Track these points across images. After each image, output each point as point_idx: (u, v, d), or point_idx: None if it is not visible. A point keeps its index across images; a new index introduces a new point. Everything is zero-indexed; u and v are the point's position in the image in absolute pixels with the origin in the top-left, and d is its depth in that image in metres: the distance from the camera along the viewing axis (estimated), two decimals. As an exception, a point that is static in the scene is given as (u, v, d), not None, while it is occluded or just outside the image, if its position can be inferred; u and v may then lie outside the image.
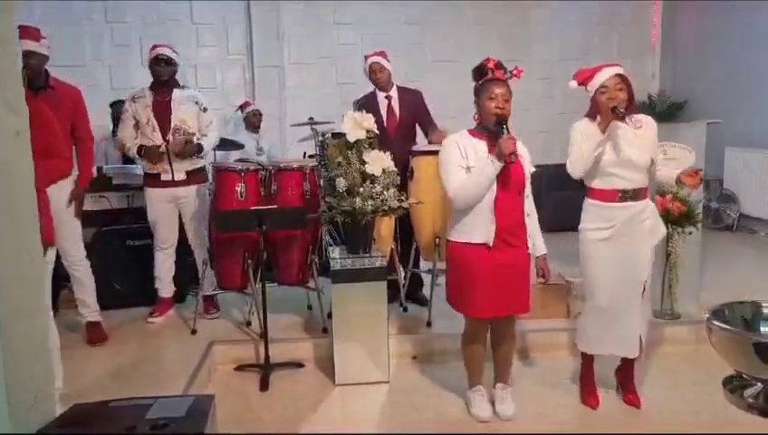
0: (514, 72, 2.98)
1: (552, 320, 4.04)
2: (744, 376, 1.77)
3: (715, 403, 3.19)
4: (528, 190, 3.02)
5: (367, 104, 4.36)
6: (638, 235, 3.05)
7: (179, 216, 4.32)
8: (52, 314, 2.53)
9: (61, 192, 3.66)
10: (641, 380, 3.38)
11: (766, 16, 6.58)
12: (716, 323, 1.78)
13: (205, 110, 4.27)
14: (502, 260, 2.93)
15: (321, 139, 5.02)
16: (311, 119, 5.37)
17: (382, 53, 4.46)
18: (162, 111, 4.15)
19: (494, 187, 2.88)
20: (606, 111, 2.94)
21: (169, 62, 4.19)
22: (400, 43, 7.12)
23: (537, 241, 3.07)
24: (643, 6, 8.13)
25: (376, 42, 7.39)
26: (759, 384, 1.76)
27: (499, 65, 2.98)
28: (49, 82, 3.66)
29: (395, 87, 4.48)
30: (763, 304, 1.89)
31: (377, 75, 4.40)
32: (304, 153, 5.69)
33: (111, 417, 1.72)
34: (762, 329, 1.86)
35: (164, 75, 4.17)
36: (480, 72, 2.99)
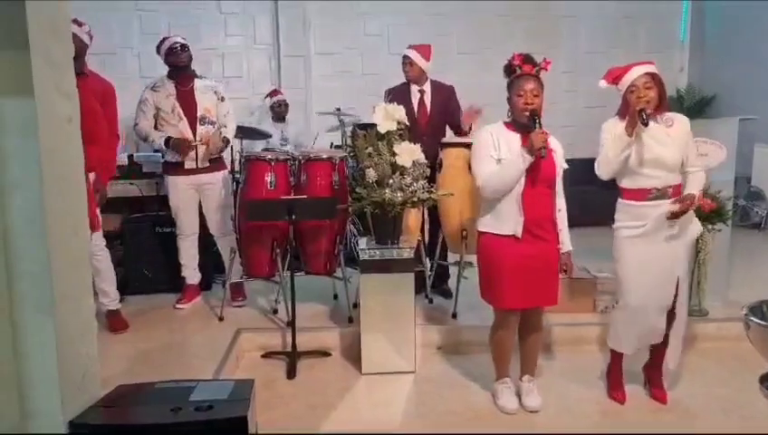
0: (542, 64, 2.98)
1: (578, 314, 4.03)
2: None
3: (742, 400, 3.20)
4: (559, 186, 3.02)
5: (398, 95, 4.38)
6: (671, 233, 3.02)
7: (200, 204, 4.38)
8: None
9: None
10: (671, 377, 3.37)
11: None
12: (755, 319, 1.77)
13: (222, 99, 4.34)
14: (530, 252, 2.94)
15: (350, 129, 5.03)
16: (337, 109, 5.38)
17: (420, 48, 4.44)
18: (187, 100, 4.21)
19: (522, 180, 2.89)
20: (632, 113, 2.92)
21: (185, 47, 4.24)
22: (425, 35, 7.03)
23: (563, 237, 3.07)
24: (671, 1, 8.03)
25: (401, 33, 7.41)
26: (798, 381, 1.75)
27: (527, 59, 2.98)
28: (84, 70, 3.71)
29: (429, 81, 4.48)
30: (801, 301, 1.88)
31: (406, 68, 4.41)
32: (331, 143, 5.72)
33: (156, 398, 1.76)
34: (802, 326, 1.85)
35: (184, 60, 4.22)
36: (508, 70, 3.01)
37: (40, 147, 1.54)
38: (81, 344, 1.75)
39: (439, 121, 4.44)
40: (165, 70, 4.34)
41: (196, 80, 4.30)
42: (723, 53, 7.65)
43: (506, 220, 2.95)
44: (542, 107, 2.94)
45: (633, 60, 3.18)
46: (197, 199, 4.35)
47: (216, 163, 4.33)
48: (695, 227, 3.14)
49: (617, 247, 3.11)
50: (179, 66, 4.22)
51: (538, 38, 7.38)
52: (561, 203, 3.06)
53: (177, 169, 4.27)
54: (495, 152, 2.94)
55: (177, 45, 4.21)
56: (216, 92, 4.33)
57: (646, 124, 2.86)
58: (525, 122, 2.91)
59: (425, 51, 4.44)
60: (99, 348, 3.08)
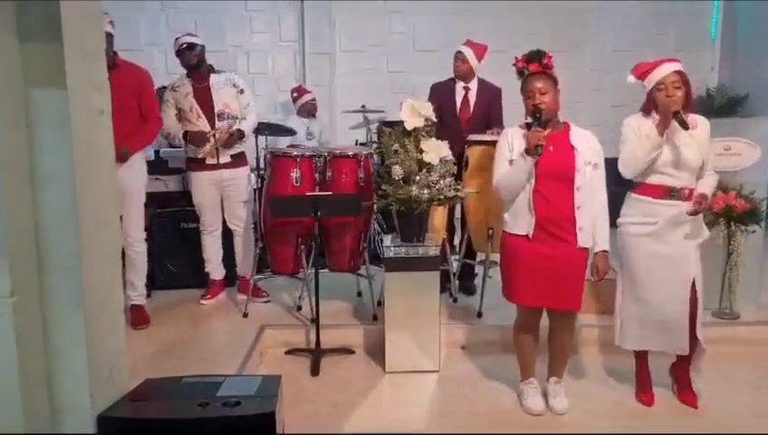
0: (545, 60, 2.94)
1: (604, 316, 3.96)
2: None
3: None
4: (580, 182, 2.89)
5: (442, 90, 4.38)
6: (681, 234, 2.99)
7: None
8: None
9: (126, 172, 3.72)
10: (697, 379, 3.30)
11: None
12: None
13: (242, 91, 4.30)
14: (545, 252, 2.90)
15: (375, 126, 5.02)
16: (363, 107, 5.37)
17: (476, 46, 4.41)
18: (204, 97, 4.20)
19: (533, 178, 2.87)
20: (665, 112, 2.86)
21: (191, 47, 4.21)
22: (451, 33, 7.04)
23: (597, 236, 2.96)
24: (703, 0, 7.90)
25: (427, 31, 7.38)
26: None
27: (531, 58, 2.96)
28: (115, 62, 3.73)
29: (476, 79, 4.45)
30: None
31: (456, 64, 4.39)
32: (356, 141, 5.71)
33: (183, 392, 1.76)
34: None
35: (192, 60, 4.20)
36: (518, 72, 3.00)
37: (72, 139, 1.54)
38: (110, 338, 1.75)
39: (481, 121, 4.38)
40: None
41: (212, 75, 4.26)
42: (755, 52, 7.49)
43: (520, 219, 2.95)
44: (555, 103, 2.91)
45: (658, 59, 3.11)
46: (220, 195, 4.36)
47: (237, 159, 4.31)
48: (704, 231, 3.09)
49: (625, 243, 3.07)
50: (190, 65, 4.22)
51: (565, 36, 7.30)
52: (593, 200, 2.93)
53: (199, 164, 4.28)
54: (509, 153, 2.95)
55: (184, 45, 4.20)
56: (234, 85, 4.29)
57: (686, 127, 2.80)
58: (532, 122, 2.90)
59: (480, 50, 4.42)
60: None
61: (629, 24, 7.69)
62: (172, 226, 4.72)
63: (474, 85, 4.43)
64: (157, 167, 4.70)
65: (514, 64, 3.00)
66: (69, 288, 1.61)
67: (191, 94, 4.20)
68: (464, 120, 4.34)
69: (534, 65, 2.92)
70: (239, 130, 4.22)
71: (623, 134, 3.02)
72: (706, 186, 3.01)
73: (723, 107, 7.30)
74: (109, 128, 1.73)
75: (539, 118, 2.85)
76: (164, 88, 4.43)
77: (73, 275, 1.59)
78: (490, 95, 4.43)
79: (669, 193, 2.96)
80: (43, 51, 1.52)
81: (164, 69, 6.91)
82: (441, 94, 4.36)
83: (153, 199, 4.68)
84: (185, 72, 4.28)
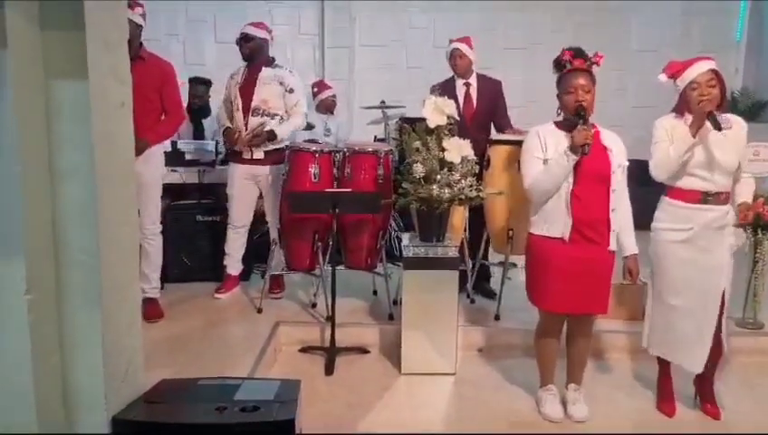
0: (594, 58, 2.84)
1: (626, 321, 3.89)
2: None
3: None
4: (615, 184, 2.85)
5: (445, 90, 4.28)
6: (717, 240, 2.90)
7: (260, 196, 4.34)
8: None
9: (143, 164, 3.66)
10: (720, 390, 3.22)
11: None
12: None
13: (291, 90, 4.20)
14: (579, 255, 2.82)
15: (394, 122, 4.95)
16: (382, 102, 5.31)
17: (466, 40, 4.36)
18: (247, 90, 4.16)
19: (571, 179, 2.78)
20: (699, 112, 2.77)
21: (247, 38, 4.17)
22: (471, 29, 6.86)
23: (627, 239, 2.92)
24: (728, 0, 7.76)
25: (447, 26, 7.26)
26: None
27: (577, 54, 2.85)
28: (140, 53, 3.69)
29: (475, 74, 4.39)
30: None
31: (456, 61, 4.32)
32: (375, 137, 5.64)
33: (200, 395, 1.71)
34: None
35: (245, 51, 4.17)
36: (558, 65, 2.89)
37: (93, 132, 1.49)
38: (127, 335, 1.71)
39: (485, 117, 4.33)
40: (212, 57, 4.33)
41: (264, 69, 4.19)
42: (782, 54, 7.36)
43: (555, 222, 2.84)
44: (593, 103, 2.82)
45: (686, 59, 3.02)
46: (255, 191, 4.32)
47: (273, 155, 4.23)
48: (740, 236, 3.00)
49: (658, 249, 2.99)
50: (244, 56, 4.19)
51: (588, 34, 7.14)
52: (622, 203, 2.89)
53: (236, 156, 4.27)
54: (542, 153, 2.84)
55: (241, 36, 4.17)
56: (282, 83, 4.19)
57: (719, 128, 2.71)
58: (572, 120, 2.80)
59: (470, 42, 4.36)
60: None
61: (654, 24, 7.56)
62: (188, 218, 4.69)
63: (474, 81, 4.37)
64: (173, 159, 4.65)
65: (559, 56, 2.89)
66: (86, 284, 1.57)
67: (238, 85, 4.19)
68: (468, 116, 4.25)
69: (580, 60, 2.84)
70: (270, 130, 4.14)
71: (654, 135, 2.93)
72: (746, 193, 2.93)
73: (746, 111, 7.16)
74: (129, 121, 1.68)
75: (584, 116, 2.76)
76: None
77: (91, 271, 1.54)
78: (492, 89, 4.37)
79: (704, 197, 2.87)
80: (65, 40, 1.47)
81: (182, 60, 6.91)
82: (444, 93, 4.26)
83: (169, 192, 4.64)
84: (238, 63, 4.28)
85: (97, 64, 1.53)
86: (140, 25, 3.67)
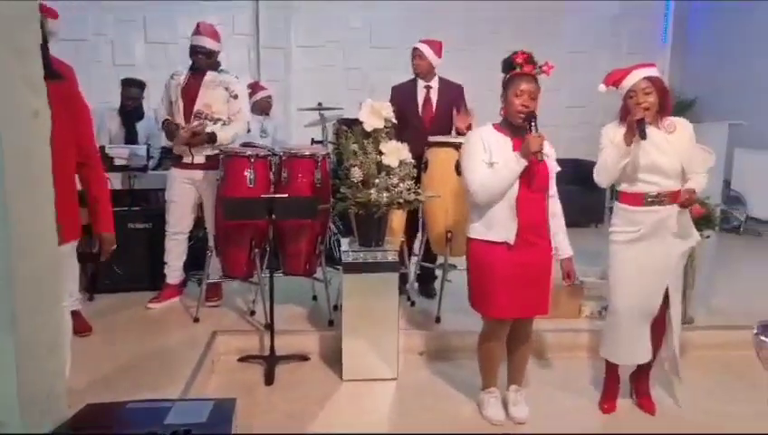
0: (544, 67, 2.84)
1: (564, 320, 3.95)
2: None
3: (731, 411, 3.17)
4: (553, 190, 2.91)
5: (403, 90, 4.29)
6: (666, 240, 2.96)
7: (200, 203, 4.23)
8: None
9: None
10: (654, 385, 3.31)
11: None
12: (765, 338, 1.69)
13: (236, 97, 4.11)
14: (523, 260, 2.83)
15: (332, 124, 4.90)
16: (319, 104, 5.24)
17: (431, 42, 4.33)
18: (190, 94, 4.06)
19: (516, 184, 2.79)
20: (630, 121, 2.83)
21: (209, 54, 4.07)
22: (410, 31, 6.92)
23: (562, 242, 2.99)
24: (655, 2, 8.02)
25: (385, 28, 7.29)
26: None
27: (529, 60, 2.84)
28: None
29: (437, 78, 4.37)
30: (814, 321, 1.82)
31: (415, 61, 4.31)
32: (312, 139, 5.57)
33: (128, 421, 1.62)
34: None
35: (200, 62, 4.07)
36: (508, 66, 2.87)
37: (3, 145, 1.39)
38: (48, 361, 1.60)
39: (444, 120, 4.31)
40: (142, 58, 4.17)
41: (209, 73, 4.09)
42: (705, 55, 7.66)
43: (499, 226, 2.83)
44: (536, 111, 2.83)
45: (616, 61, 3.10)
46: (194, 197, 4.19)
47: (213, 160, 4.10)
48: (694, 235, 3.07)
49: (611, 252, 3.04)
50: (195, 66, 4.11)
51: (523, 36, 7.27)
52: (556, 206, 2.96)
53: (177, 161, 4.16)
54: (487, 155, 2.81)
55: (201, 51, 4.05)
56: (227, 89, 4.09)
57: (643, 137, 2.77)
58: (518, 124, 2.80)
59: (436, 46, 4.34)
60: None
61: (585, 27, 7.77)
62: (118, 226, 4.41)
63: (435, 84, 4.35)
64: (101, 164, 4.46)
65: (511, 58, 2.87)
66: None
67: (180, 87, 4.07)
68: (426, 120, 4.27)
69: (531, 66, 2.83)
70: (211, 132, 4.03)
71: (600, 142, 2.98)
72: (695, 183, 2.95)
73: (672, 110, 7.41)
74: (46, 132, 1.57)
75: (535, 123, 2.76)
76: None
77: (4, 295, 1.43)
78: (452, 94, 4.36)
79: (648, 199, 2.92)
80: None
81: (110, 59, 6.68)
82: (402, 95, 4.27)
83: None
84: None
85: (6, 71, 1.42)
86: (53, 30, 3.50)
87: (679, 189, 2.91)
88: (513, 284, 2.83)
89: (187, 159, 4.12)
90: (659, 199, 2.91)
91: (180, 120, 4.05)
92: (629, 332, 3.01)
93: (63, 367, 1.67)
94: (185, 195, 4.16)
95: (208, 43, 4.05)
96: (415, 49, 4.32)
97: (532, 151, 2.71)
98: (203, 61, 4.06)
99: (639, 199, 2.93)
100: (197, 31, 4.07)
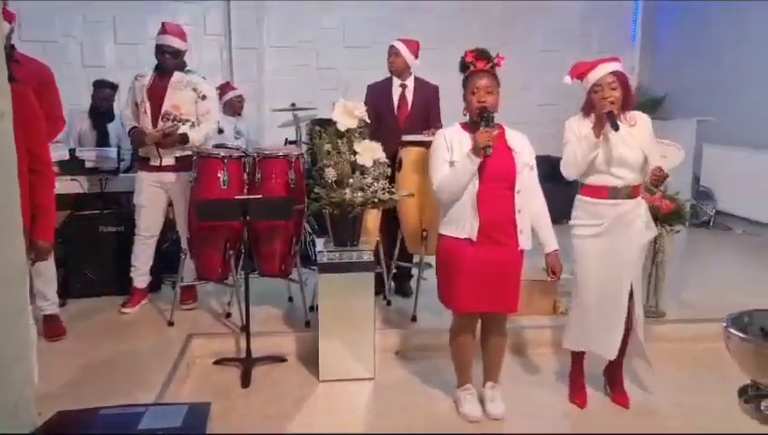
0: (496, 60, 2.89)
1: (539, 317, 3.98)
2: (762, 387, 1.73)
3: (702, 402, 3.22)
4: (520, 185, 2.87)
5: (378, 89, 4.29)
6: (628, 234, 3.01)
7: (169, 205, 4.17)
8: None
9: None
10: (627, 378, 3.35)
11: (747, 15, 6.61)
12: (734, 331, 1.73)
13: (204, 97, 4.05)
14: (487, 257, 2.85)
15: (306, 124, 4.88)
16: (293, 105, 5.23)
17: (408, 42, 4.33)
18: (156, 95, 3.99)
19: (476, 180, 2.81)
20: (600, 115, 2.87)
21: (175, 54, 4.00)
22: (384, 31, 6.96)
23: (545, 236, 2.98)
24: (624, 2, 8.12)
25: (358, 27, 7.27)
26: (777, 395, 1.72)
27: (480, 55, 2.89)
28: (14, 56, 3.46)
29: (413, 77, 4.36)
30: (783, 313, 1.86)
31: (391, 59, 4.30)
32: (286, 139, 5.55)
33: (100, 428, 1.59)
34: (780, 339, 1.83)
35: (167, 63, 3.99)
36: (464, 65, 2.91)
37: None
38: (16, 368, 1.57)
39: (419, 119, 4.30)
40: (112, 59, 4.11)
41: (176, 74, 4.02)
42: (674, 53, 7.77)
43: (462, 223, 2.86)
44: (497, 104, 2.86)
45: (586, 59, 3.12)
46: (164, 200, 4.13)
47: (184, 162, 4.05)
48: (652, 229, 3.13)
49: (575, 246, 3.08)
50: (163, 66, 4.02)
51: (495, 35, 7.32)
52: (535, 201, 2.94)
53: (144, 164, 4.09)
54: (449, 155, 2.85)
55: (168, 50, 3.96)
56: (195, 90, 4.03)
57: (616, 129, 2.81)
58: (477, 120, 2.83)
59: (413, 46, 4.33)
60: (36, 357, 2.90)
61: (556, 25, 7.83)
62: (90, 230, 4.44)
63: (410, 83, 4.35)
64: (72, 167, 4.41)
65: (463, 58, 2.91)
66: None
67: (146, 88, 4.00)
68: (401, 119, 4.28)
69: (483, 62, 2.86)
70: (183, 133, 3.98)
71: (565, 136, 3.02)
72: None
73: (642, 107, 7.50)
74: (10, 133, 1.54)
75: (486, 117, 2.78)
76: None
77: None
78: (427, 93, 4.36)
79: (612, 193, 2.96)
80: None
81: (80, 61, 6.58)
82: (378, 93, 4.27)
83: (68, 202, 4.40)
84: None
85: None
86: (11, 27, 3.45)
87: (639, 184, 2.99)
88: (479, 280, 2.86)
89: (155, 162, 4.04)
90: (623, 193, 2.97)
91: (148, 122, 3.99)
92: (601, 323, 3.05)
93: (32, 374, 1.64)
94: (154, 198, 4.10)
95: (175, 42, 3.99)
96: (391, 47, 4.32)
97: (480, 146, 2.72)
98: (170, 61, 3.99)
99: (604, 192, 2.97)
100: (163, 30, 4.00)
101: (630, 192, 2.99)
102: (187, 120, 4.02)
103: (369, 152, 3.37)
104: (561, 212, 3.15)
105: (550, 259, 3.00)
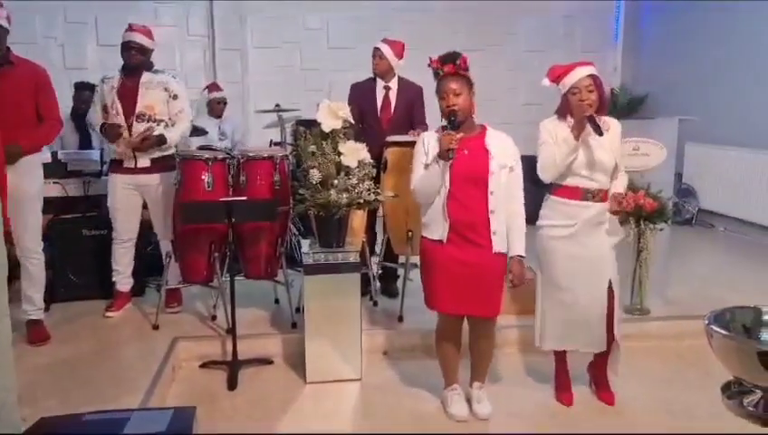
0: (459, 62, 2.88)
1: (520, 316, 3.98)
2: (744, 383, 1.74)
3: (686, 400, 3.24)
4: (494, 186, 2.85)
5: (363, 89, 4.29)
6: (597, 234, 3.05)
7: (144, 207, 4.12)
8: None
9: (20, 176, 3.40)
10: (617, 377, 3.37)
11: (729, 15, 6.68)
12: (716, 328, 1.74)
13: (175, 97, 4.02)
14: (461, 257, 2.86)
15: (291, 125, 4.87)
16: (277, 106, 5.21)
17: (393, 43, 4.33)
18: (128, 96, 3.94)
19: (447, 183, 2.83)
20: (580, 116, 2.89)
21: (142, 50, 3.96)
22: (367, 31, 6.95)
23: (513, 241, 2.93)
24: (606, 2, 8.18)
25: (342, 28, 7.26)
26: (759, 392, 1.73)
27: (445, 59, 2.90)
28: (9, 58, 3.44)
29: (396, 78, 4.36)
30: (764, 311, 1.87)
31: (375, 61, 4.31)
32: (270, 141, 5.53)
33: (84, 433, 1.58)
34: (762, 336, 1.84)
35: (134, 61, 3.95)
36: (434, 74, 2.95)
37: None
38: (-2, 375, 1.56)
39: (403, 120, 4.31)
40: (94, 61, 4.08)
41: (145, 74, 3.98)
42: (656, 53, 7.84)
43: (435, 224, 2.91)
44: (469, 105, 2.87)
45: (570, 59, 3.16)
46: (139, 202, 4.09)
47: (160, 163, 4.03)
48: (620, 231, 3.17)
49: (545, 246, 3.10)
50: (131, 65, 3.98)
51: (480, 36, 7.38)
52: (512, 203, 2.92)
53: (117, 166, 4.03)
54: (425, 158, 2.90)
55: (134, 45, 3.93)
56: (167, 89, 4.00)
57: (600, 133, 2.83)
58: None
59: (397, 47, 4.33)
60: (20, 362, 2.86)
61: (540, 26, 7.87)
62: (73, 233, 4.40)
63: (394, 84, 4.35)
64: (54, 170, 4.36)
65: (429, 65, 2.94)
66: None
67: (116, 90, 3.95)
68: (385, 120, 4.28)
69: (449, 66, 2.87)
70: (160, 135, 3.94)
71: (539, 137, 3.03)
72: (620, 186, 3.09)
73: (625, 107, 7.60)
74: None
75: (453, 120, 2.80)
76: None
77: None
78: (411, 94, 4.36)
79: (585, 195, 3.00)
80: None
81: (61, 62, 6.51)
82: (361, 94, 4.27)
83: (52, 205, 4.35)
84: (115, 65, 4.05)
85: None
86: (7, 29, 3.42)
87: (607, 189, 3.03)
88: (453, 281, 2.88)
89: (129, 164, 3.99)
90: (595, 195, 3.01)
91: (120, 122, 3.94)
92: (582, 321, 3.06)
93: (13, 381, 1.62)
94: (128, 201, 4.06)
95: (142, 39, 3.96)
96: (375, 49, 4.33)
97: (442, 149, 2.75)
98: (136, 57, 3.94)
99: (577, 193, 3.01)
100: (129, 29, 3.98)
101: (602, 196, 3.03)
102: (161, 121, 3.99)
103: (354, 153, 3.37)
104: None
105: (513, 264, 2.93)
